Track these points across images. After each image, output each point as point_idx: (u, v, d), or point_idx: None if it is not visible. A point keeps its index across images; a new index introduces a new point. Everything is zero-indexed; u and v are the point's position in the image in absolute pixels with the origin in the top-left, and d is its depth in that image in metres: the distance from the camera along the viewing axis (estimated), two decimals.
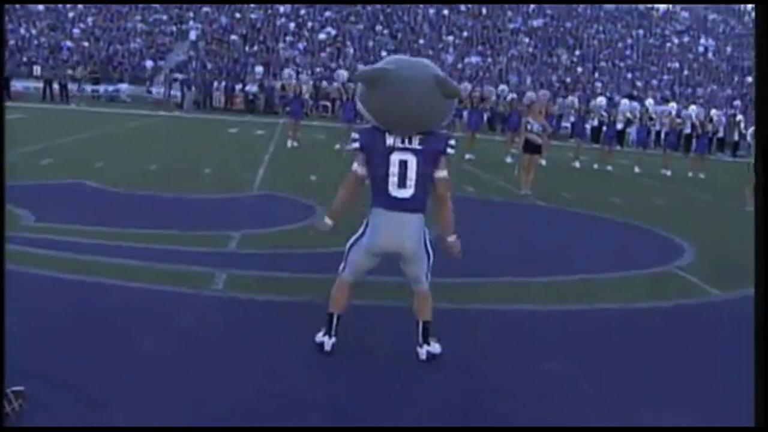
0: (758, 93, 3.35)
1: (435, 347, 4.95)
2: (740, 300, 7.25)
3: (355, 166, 4.83)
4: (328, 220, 4.97)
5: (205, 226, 8.69)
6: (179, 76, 37.80)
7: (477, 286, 6.92)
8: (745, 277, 8.15)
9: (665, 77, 48.44)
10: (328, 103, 37.22)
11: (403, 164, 4.68)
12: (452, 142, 4.81)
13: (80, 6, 45.78)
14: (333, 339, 4.91)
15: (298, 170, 15.05)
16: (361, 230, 4.93)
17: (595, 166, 21.26)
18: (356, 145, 4.80)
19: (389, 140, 4.69)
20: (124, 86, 37.43)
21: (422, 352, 4.92)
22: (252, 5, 48.06)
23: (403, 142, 4.68)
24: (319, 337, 4.97)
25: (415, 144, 4.69)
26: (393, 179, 4.68)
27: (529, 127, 14.11)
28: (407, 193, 4.69)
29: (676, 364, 5.29)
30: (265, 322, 5.47)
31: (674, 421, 4.27)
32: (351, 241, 4.96)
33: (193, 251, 7.46)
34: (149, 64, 40.80)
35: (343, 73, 23.36)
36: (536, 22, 51.97)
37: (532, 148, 14.13)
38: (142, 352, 4.72)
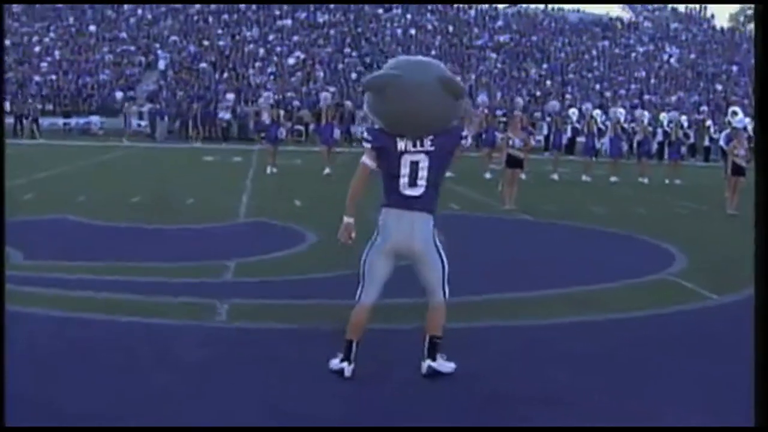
0: (758, 93, 3.37)
1: (443, 365, 4.93)
2: (740, 303, 7.33)
3: (366, 159, 4.86)
4: (347, 219, 4.97)
5: (197, 257, 8.61)
6: (150, 106, 37.66)
7: (475, 304, 6.90)
8: (740, 279, 8.26)
9: (632, 86, 48.98)
10: (301, 127, 37.21)
11: (415, 164, 4.74)
12: (465, 133, 4.84)
13: (46, 39, 45.54)
14: (352, 365, 4.86)
15: (282, 196, 15.03)
16: (373, 237, 4.94)
17: (584, 177, 21.25)
18: (368, 145, 4.85)
19: (401, 144, 4.74)
20: (95, 118, 37.21)
21: (424, 365, 4.89)
22: (219, 31, 48.09)
23: (414, 145, 4.73)
24: (336, 363, 4.92)
25: (427, 145, 4.75)
26: (404, 180, 4.74)
27: (510, 143, 14.21)
28: (417, 191, 4.75)
29: (687, 371, 5.30)
30: (277, 351, 5.42)
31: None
32: (364, 255, 4.94)
33: (190, 282, 7.39)
34: (119, 95, 40.61)
35: (327, 96, 23.38)
36: (503, 38, 52.42)
37: (514, 162, 14.22)
38: (155, 389, 4.66)
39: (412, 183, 4.74)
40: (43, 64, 43.16)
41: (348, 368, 4.86)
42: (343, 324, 6.00)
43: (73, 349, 5.33)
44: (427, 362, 4.89)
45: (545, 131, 33.17)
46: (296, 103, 38.95)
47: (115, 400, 4.44)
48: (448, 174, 15.48)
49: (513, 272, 8.48)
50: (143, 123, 37.71)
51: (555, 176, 21.43)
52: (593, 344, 5.90)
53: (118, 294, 6.81)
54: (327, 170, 20.09)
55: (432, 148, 4.74)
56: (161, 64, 44.63)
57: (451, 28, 52.65)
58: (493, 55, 50.24)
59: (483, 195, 16.02)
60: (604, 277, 8.13)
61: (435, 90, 4.61)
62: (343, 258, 8.65)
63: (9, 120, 35.45)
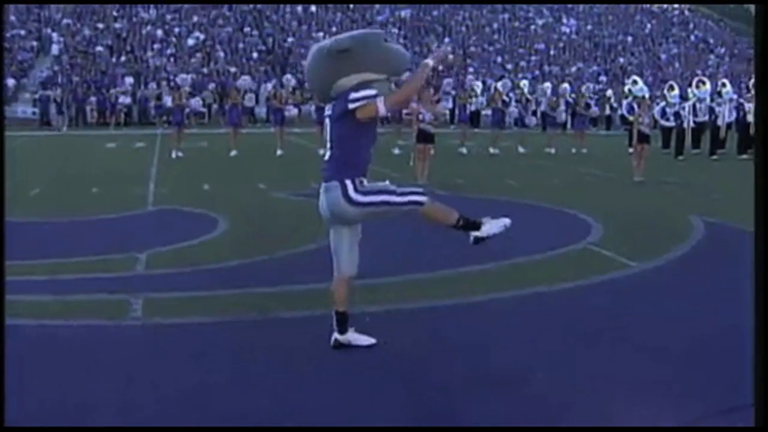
0: (759, 93, 3.33)
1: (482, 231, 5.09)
2: (658, 269, 7.44)
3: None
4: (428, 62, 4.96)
5: (106, 249, 8.19)
6: (46, 93, 36.22)
7: (408, 283, 6.76)
8: (655, 245, 8.38)
9: (533, 58, 49.64)
10: (204, 110, 36.43)
11: (328, 130, 4.99)
12: (354, 95, 4.71)
13: None
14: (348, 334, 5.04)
15: (189, 181, 14.58)
16: None
17: (491, 150, 21.39)
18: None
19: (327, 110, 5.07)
20: None
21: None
22: (115, 13, 46.53)
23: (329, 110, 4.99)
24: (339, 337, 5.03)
25: (328, 110, 4.99)
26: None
27: (420, 117, 14.08)
28: (326, 156, 4.94)
29: (622, 340, 5.28)
30: (196, 347, 5.15)
31: (640, 403, 4.24)
32: None
33: (100, 278, 7.00)
34: (11, 82, 38.88)
35: (247, 78, 23.04)
36: (404, 12, 52.33)
37: (425, 137, 14.12)
38: (66, 397, 4.34)
39: (326, 148, 5.01)
40: None
41: (345, 337, 5.01)
42: (266, 314, 5.85)
43: None
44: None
45: (450, 105, 33.31)
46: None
47: (17, 410, 4.11)
48: None
49: (428, 250, 8.29)
50: (38, 111, 36.22)
51: (464, 150, 21.49)
52: (526, 319, 5.82)
53: (28, 295, 6.32)
54: (233, 152, 19.81)
55: (329, 113, 4.94)
56: (54, 49, 42.92)
57: (351, 5, 52.25)
58: (395, 30, 50.12)
59: (394, 171, 15.88)
60: (526, 250, 8.07)
61: (315, 54, 4.92)
62: (257, 243, 8.45)
63: None
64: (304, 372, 4.67)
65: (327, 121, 4.96)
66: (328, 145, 4.90)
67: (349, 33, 5.01)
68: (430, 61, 4.90)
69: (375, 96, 4.68)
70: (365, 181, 4.83)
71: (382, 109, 4.68)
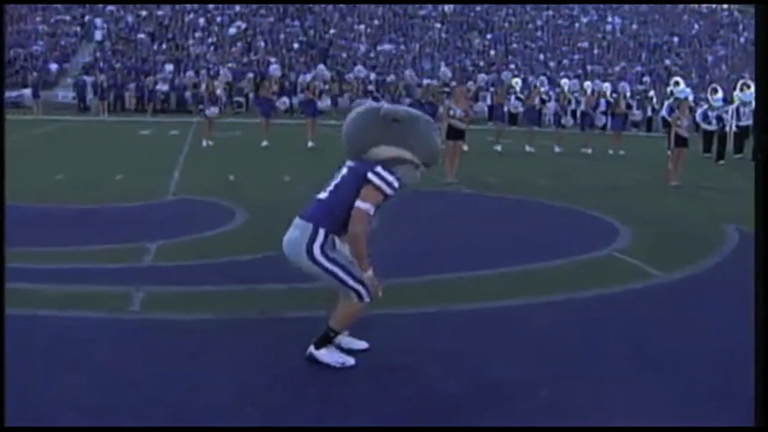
0: (759, 93, 3.18)
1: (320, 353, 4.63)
2: (685, 280, 7.09)
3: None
4: (367, 273, 4.56)
5: (117, 239, 8.04)
6: (86, 78, 36.46)
7: (415, 285, 6.50)
8: (684, 256, 8.02)
9: (576, 56, 48.97)
10: (242, 99, 36.46)
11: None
12: (380, 173, 4.48)
13: None
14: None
15: (216, 171, 14.46)
16: None
17: (527, 148, 21.10)
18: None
19: None
20: (27, 91, 35.77)
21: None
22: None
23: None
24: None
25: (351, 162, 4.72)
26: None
27: (451, 112, 13.78)
28: (321, 194, 4.69)
29: (635, 356, 4.97)
30: (189, 347, 4.94)
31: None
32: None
33: (106, 268, 6.84)
34: (54, 67, 39.22)
35: (276, 67, 22.89)
36: (447, 8, 51.90)
37: (455, 134, 13.82)
38: (48, 395, 4.16)
39: (325, 188, 4.71)
40: None
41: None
42: (266, 313, 5.62)
43: None
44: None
45: (488, 101, 32.90)
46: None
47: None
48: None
49: (450, 251, 8.06)
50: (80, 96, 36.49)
51: (498, 147, 21.15)
52: (536, 330, 5.52)
53: (29, 284, 6.21)
54: (265, 143, 19.71)
55: (352, 164, 4.69)
56: (97, 35, 43.24)
57: None
58: (438, 25, 49.76)
59: None
60: (547, 254, 7.78)
61: (367, 112, 4.72)
62: (272, 238, 8.21)
63: None
64: (292, 376, 4.44)
65: (345, 168, 4.68)
66: (330, 187, 4.64)
67: (405, 107, 4.96)
68: (369, 272, 4.54)
69: (380, 197, 4.49)
70: (337, 241, 4.57)
71: (361, 217, 4.45)
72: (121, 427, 3.81)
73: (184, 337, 5.12)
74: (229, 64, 40.20)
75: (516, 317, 5.83)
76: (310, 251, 4.46)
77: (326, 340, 4.64)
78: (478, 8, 52.62)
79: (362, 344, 4.89)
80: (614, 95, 26.79)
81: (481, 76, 27.99)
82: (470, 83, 22.89)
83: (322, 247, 4.47)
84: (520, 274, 7.12)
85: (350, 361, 4.64)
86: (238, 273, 6.82)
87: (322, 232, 4.47)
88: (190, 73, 25.97)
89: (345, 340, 4.84)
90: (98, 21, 44.30)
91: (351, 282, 4.51)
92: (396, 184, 4.52)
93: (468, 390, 4.34)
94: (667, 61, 50.20)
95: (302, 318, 5.52)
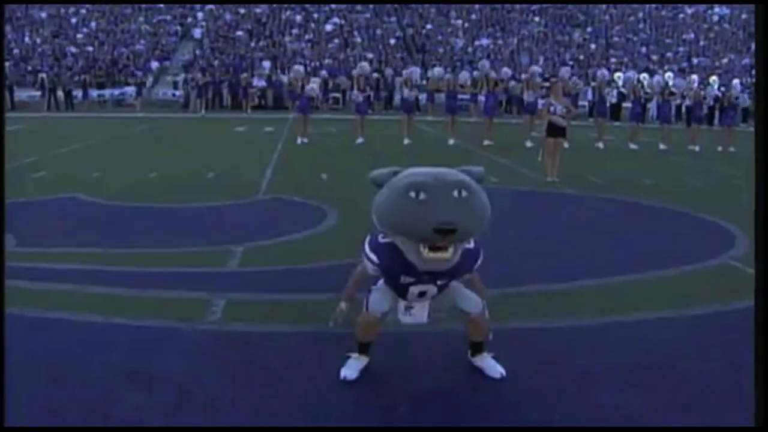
0: (759, 93, 2.84)
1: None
2: None
3: None
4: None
5: (203, 241, 7.82)
6: (186, 75, 37.04)
7: (510, 297, 6.02)
8: None
9: (680, 49, 47.21)
10: (338, 95, 36.35)
11: None
12: (367, 240, 4.26)
13: (83, 10, 45.02)
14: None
15: (308, 169, 14.23)
16: None
17: (631, 145, 20.27)
18: None
19: None
20: (129, 89, 36.58)
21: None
22: None
23: None
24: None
25: None
26: None
27: (552, 109, 13.18)
28: None
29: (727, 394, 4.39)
30: (268, 362, 4.62)
31: None
32: None
33: (188, 272, 6.60)
34: (155, 65, 40.01)
35: (364, 65, 22.56)
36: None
37: (556, 131, 13.21)
38: (114, 410, 3.88)
39: None
40: (79, 36, 42.67)
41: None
42: (346, 325, 5.24)
43: (30, 361, 4.53)
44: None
45: (589, 97, 31.90)
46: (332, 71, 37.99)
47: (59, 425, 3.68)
48: (485, 142, 14.35)
49: (548, 259, 7.51)
50: (178, 93, 37.10)
51: (600, 145, 20.35)
52: (644, 351, 4.98)
53: (106, 288, 6.05)
54: (360, 139, 19.43)
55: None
56: (197, 33, 43.96)
57: None
58: (536, 18, 48.74)
59: (523, 165, 15.05)
60: (655, 263, 7.18)
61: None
62: (360, 242, 7.85)
63: (34, 93, 35.27)
64: (375, 395, 4.06)
65: None
66: None
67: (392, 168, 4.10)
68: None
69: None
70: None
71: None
72: (121, 427, 3.62)
73: (263, 351, 4.80)
74: (326, 61, 40.25)
75: (620, 336, 5.28)
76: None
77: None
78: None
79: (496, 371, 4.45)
80: (723, 89, 25.55)
81: (564, 69, 26.47)
82: (564, 71, 22.16)
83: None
84: (622, 285, 6.55)
85: (349, 374, 4.32)
86: (326, 280, 6.47)
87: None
88: (299, 68, 25.54)
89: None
90: (200, 14, 45.06)
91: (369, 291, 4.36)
92: (372, 261, 4.12)
93: (573, 418, 3.87)
94: None
95: (386, 333, 5.09)
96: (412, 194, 3.71)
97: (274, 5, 46.79)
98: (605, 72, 24.96)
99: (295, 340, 5.02)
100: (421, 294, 4.20)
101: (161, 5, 46.18)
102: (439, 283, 4.15)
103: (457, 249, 3.86)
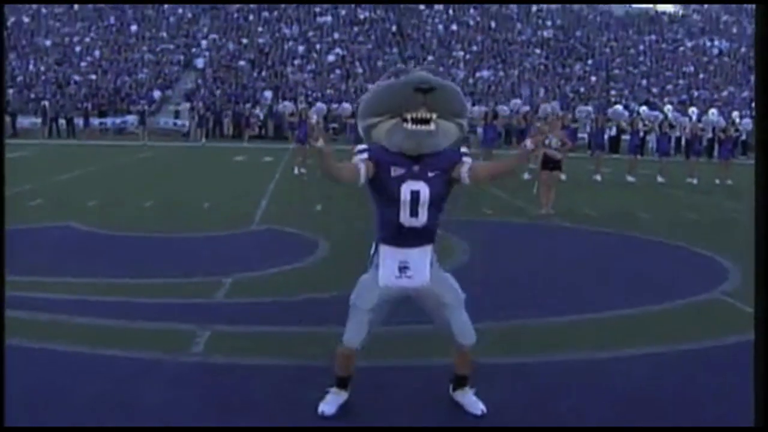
0: (758, 93, 2.88)
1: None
2: None
3: None
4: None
5: (193, 272, 7.79)
6: (187, 105, 37.20)
7: (500, 331, 5.97)
8: None
9: (681, 81, 47.44)
10: (337, 125, 36.41)
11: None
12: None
13: (87, 39, 45.33)
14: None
15: (304, 199, 14.22)
16: None
17: (628, 177, 20.29)
18: None
19: None
20: (131, 117, 36.70)
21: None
22: (259, 29, 47.59)
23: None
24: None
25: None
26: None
27: (546, 142, 13.19)
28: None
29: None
30: (250, 395, 4.58)
31: None
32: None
33: (176, 303, 6.57)
34: (157, 94, 40.21)
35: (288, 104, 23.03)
36: (546, 33, 51.15)
37: (551, 164, 13.24)
38: None
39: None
40: (83, 64, 42.93)
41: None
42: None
43: (15, 391, 4.48)
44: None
45: (588, 129, 32.00)
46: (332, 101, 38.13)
47: None
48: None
49: (540, 293, 7.48)
50: (179, 122, 37.24)
51: (598, 177, 20.37)
52: (635, 388, 4.92)
53: (94, 319, 6.02)
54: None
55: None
56: (200, 63, 44.22)
57: (493, 24, 51.50)
58: (537, 51, 49.03)
59: (520, 198, 15.04)
60: (646, 298, 7.15)
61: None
62: (352, 274, 7.81)
63: (36, 120, 35.33)
64: None
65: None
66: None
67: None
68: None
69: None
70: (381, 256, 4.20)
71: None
72: (122, 427, 3.65)
73: (244, 384, 4.76)
74: (328, 91, 40.43)
75: (611, 372, 5.23)
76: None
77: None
78: (578, 33, 51.66)
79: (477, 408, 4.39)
80: (721, 120, 25.62)
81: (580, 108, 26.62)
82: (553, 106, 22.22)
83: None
84: (614, 320, 6.52)
85: (327, 409, 4.28)
86: (313, 312, 6.44)
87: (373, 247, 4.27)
88: (287, 103, 25.71)
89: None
90: (204, 42, 45.38)
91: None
92: (363, 149, 4.24)
93: None
94: None
95: (373, 368, 5.02)
96: (392, 78, 4.06)
97: (277, 35, 47.14)
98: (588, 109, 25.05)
99: (276, 373, 4.98)
100: (414, 196, 4.03)
101: (164, 33, 46.55)
102: (430, 175, 4.04)
103: (439, 126, 3.95)
